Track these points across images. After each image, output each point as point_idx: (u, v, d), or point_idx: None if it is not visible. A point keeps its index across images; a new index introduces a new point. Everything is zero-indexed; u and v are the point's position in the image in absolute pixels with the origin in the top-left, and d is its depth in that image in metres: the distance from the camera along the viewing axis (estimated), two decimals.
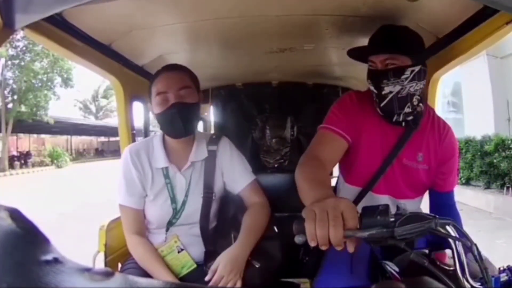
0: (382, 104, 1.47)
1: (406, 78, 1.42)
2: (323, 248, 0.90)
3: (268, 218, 1.70)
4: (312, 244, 0.91)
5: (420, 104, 1.51)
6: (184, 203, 1.64)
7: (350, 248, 0.93)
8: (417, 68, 1.43)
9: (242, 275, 1.51)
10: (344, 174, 1.68)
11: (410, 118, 1.50)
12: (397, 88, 1.42)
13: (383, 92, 1.44)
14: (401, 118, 1.49)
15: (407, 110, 1.47)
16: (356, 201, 1.55)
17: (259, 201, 1.73)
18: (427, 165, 1.55)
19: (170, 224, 1.65)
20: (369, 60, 1.50)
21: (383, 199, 1.54)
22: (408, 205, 1.52)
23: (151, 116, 1.72)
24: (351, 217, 0.91)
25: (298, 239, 0.92)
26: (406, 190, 1.57)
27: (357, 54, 1.56)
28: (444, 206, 1.60)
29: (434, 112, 1.66)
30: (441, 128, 1.58)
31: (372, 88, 1.49)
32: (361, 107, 1.54)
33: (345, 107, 1.55)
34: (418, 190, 1.61)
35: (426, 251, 1.17)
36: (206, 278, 1.50)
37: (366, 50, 1.53)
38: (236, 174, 1.74)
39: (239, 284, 1.49)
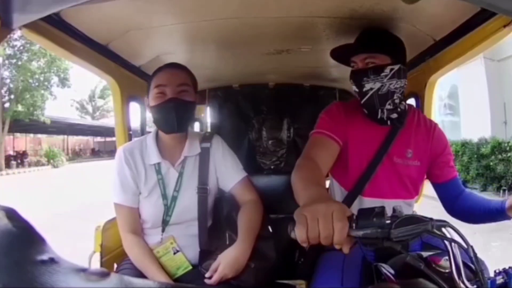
0: (363, 101, 1.54)
1: (386, 76, 1.49)
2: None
3: (261, 215, 1.71)
4: (304, 245, 0.91)
5: (403, 102, 1.59)
6: (175, 198, 1.64)
7: (345, 249, 0.91)
8: (396, 67, 1.50)
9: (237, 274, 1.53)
10: (336, 178, 1.70)
11: (395, 116, 1.56)
12: (377, 85, 1.50)
13: (364, 89, 1.52)
14: (385, 115, 1.55)
15: (388, 106, 1.53)
16: (348, 204, 1.56)
17: (251, 199, 1.73)
18: (418, 161, 1.59)
19: (165, 223, 1.64)
20: (351, 61, 1.58)
21: (374, 201, 1.54)
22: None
23: (148, 116, 1.72)
24: (339, 224, 0.88)
25: (293, 234, 0.92)
26: (398, 189, 1.60)
27: (339, 55, 1.64)
28: (456, 194, 1.65)
29: (418, 111, 1.72)
30: (427, 124, 1.65)
31: (354, 87, 1.57)
32: (347, 114, 1.61)
33: (332, 113, 1.61)
34: (409, 188, 1.62)
35: (422, 253, 1.17)
36: (207, 275, 1.51)
37: (348, 51, 1.61)
38: (228, 170, 1.74)
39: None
